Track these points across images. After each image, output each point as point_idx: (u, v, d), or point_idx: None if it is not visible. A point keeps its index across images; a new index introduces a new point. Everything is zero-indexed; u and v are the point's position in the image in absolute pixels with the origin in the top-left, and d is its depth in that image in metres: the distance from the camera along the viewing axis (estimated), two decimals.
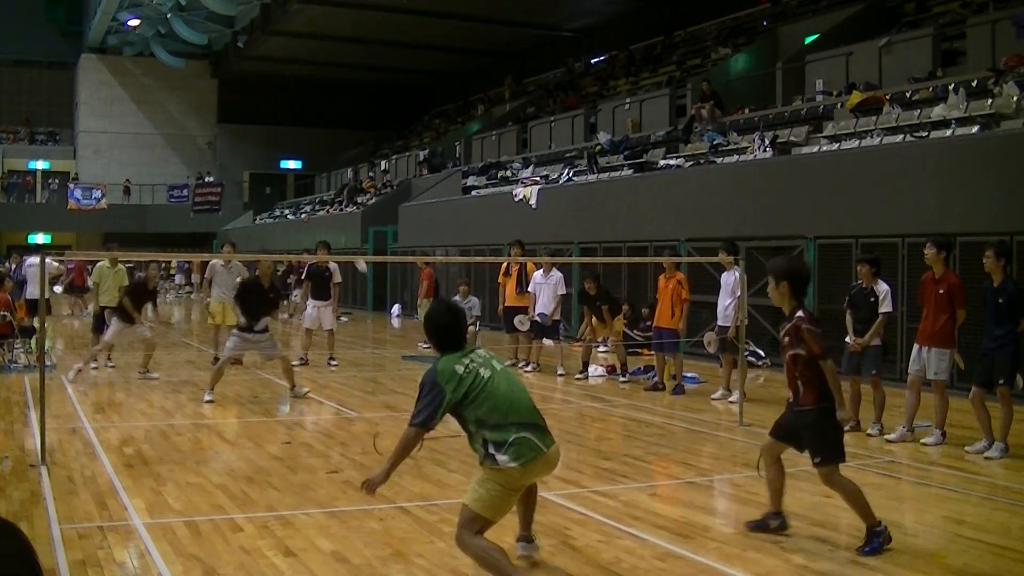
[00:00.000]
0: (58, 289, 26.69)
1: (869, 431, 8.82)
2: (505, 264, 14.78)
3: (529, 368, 13.76)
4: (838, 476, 5.47)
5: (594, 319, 13.36)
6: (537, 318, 13.61)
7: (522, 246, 14.72)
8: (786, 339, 5.52)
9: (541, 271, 13.75)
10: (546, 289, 13.58)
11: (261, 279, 11.31)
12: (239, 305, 11.10)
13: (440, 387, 4.51)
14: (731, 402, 10.65)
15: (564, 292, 13.74)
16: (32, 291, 15.27)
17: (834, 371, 5.39)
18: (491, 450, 4.49)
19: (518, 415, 4.53)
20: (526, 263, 14.23)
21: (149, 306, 12.96)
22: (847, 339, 9.14)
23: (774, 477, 5.68)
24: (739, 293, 10.27)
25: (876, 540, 5.27)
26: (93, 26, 42.68)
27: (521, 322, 13.88)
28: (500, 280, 14.91)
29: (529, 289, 13.89)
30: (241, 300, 11.08)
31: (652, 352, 12.61)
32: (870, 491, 6.70)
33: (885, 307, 8.90)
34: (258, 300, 11.01)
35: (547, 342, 14.19)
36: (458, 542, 4.55)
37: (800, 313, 5.48)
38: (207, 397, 10.78)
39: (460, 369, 4.52)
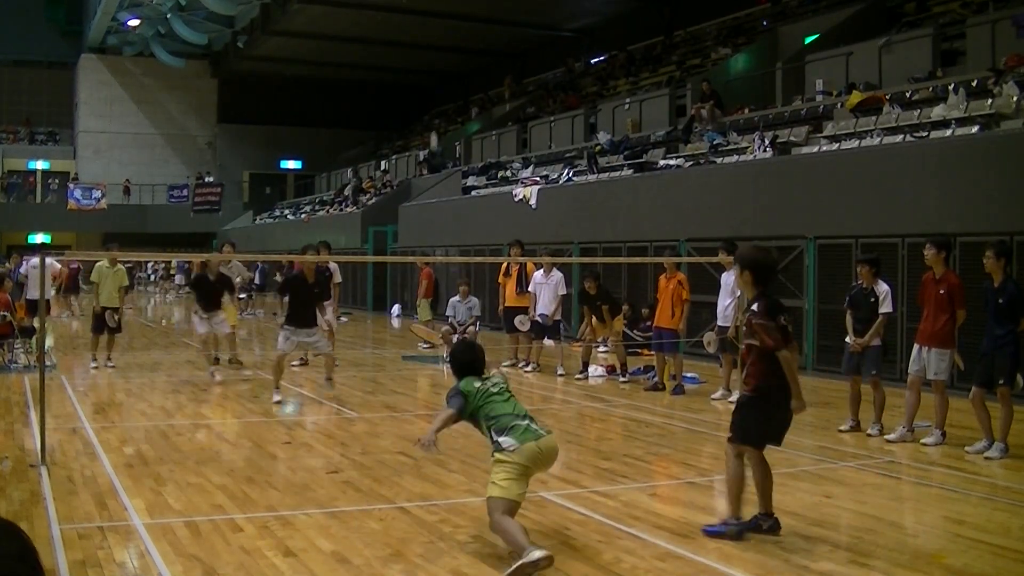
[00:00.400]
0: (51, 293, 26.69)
1: (869, 431, 8.82)
2: (505, 264, 14.78)
3: (529, 368, 13.76)
4: (734, 456, 5.57)
5: (594, 319, 13.35)
6: (538, 318, 13.61)
7: (522, 246, 14.71)
8: (744, 328, 5.74)
9: (542, 271, 13.74)
10: (546, 289, 13.58)
11: (306, 275, 11.35)
12: (288, 302, 11.18)
13: (464, 394, 5.51)
14: (731, 402, 10.62)
15: (564, 292, 13.73)
16: (32, 291, 15.28)
17: (791, 361, 5.47)
18: (496, 437, 5.29)
19: (517, 411, 5.44)
20: (526, 263, 14.22)
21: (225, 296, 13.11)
22: (847, 339, 9.14)
23: (759, 478, 5.65)
24: (739, 293, 10.26)
25: (723, 528, 5.53)
26: (93, 26, 42.70)
27: (522, 322, 13.87)
28: (500, 280, 14.90)
29: (529, 289, 13.89)
30: (290, 297, 11.14)
31: (652, 352, 12.61)
32: (870, 491, 6.72)
33: (885, 307, 8.90)
34: (305, 295, 11.09)
35: (548, 342, 14.18)
36: (492, 528, 5.15)
37: (754, 306, 5.57)
38: (276, 398, 10.71)
39: (476, 385, 5.54)
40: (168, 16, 39.32)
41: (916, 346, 8.52)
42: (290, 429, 9.37)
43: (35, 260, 14.15)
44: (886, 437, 8.59)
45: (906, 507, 6.55)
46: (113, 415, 10.06)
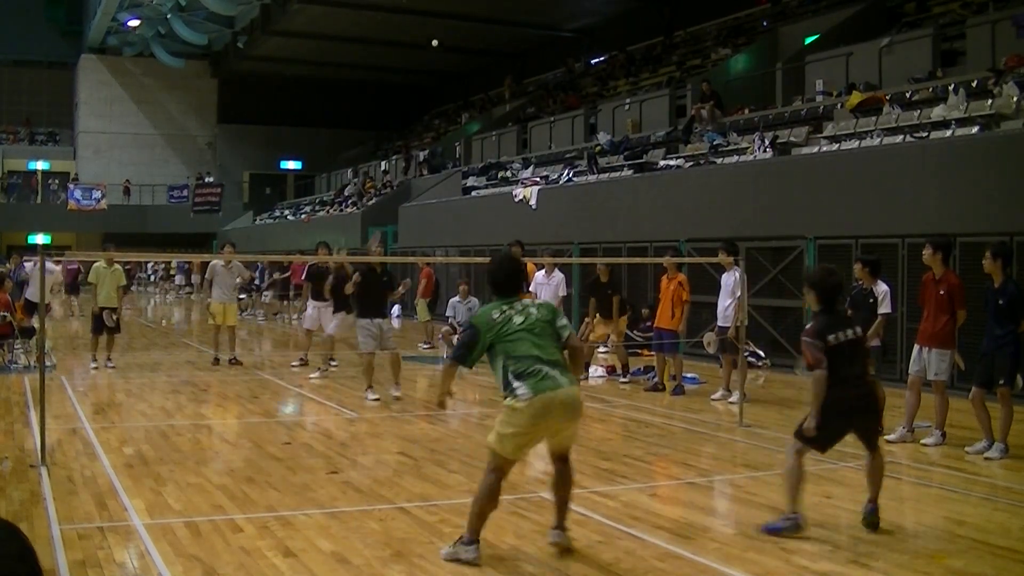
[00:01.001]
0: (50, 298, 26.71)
1: None
2: None
3: None
4: (794, 452, 5.72)
5: (597, 316, 13.15)
6: None
7: (522, 246, 14.70)
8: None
9: (543, 272, 13.73)
10: (547, 290, 13.56)
11: (373, 266, 11.44)
12: (360, 296, 11.20)
13: (475, 328, 5.07)
14: (731, 403, 10.65)
15: (565, 293, 13.72)
16: (32, 292, 15.28)
17: (818, 381, 5.61)
18: (511, 379, 4.89)
19: (542, 352, 4.92)
20: (526, 264, 14.22)
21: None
22: None
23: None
24: (739, 294, 10.27)
25: (782, 524, 5.55)
26: (93, 26, 42.71)
27: None
28: None
29: (531, 290, 13.88)
30: (362, 289, 11.17)
31: (652, 353, 12.60)
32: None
33: (884, 308, 8.90)
34: (377, 287, 11.17)
35: None
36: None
37: (809, 324, 5.85)
38: (372, 396, 10.80)
39: (496, 314, 5.02)
40: (168, 16, 39.32)
41: (916, 346, 8.52)
42: (290, 429, 9.37)
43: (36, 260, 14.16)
44: (886, 437, 8.57)
45: (906, 507, 6.55)
46: (113, 415, 10.06)
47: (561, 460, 5.21)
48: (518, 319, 5.01)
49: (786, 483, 5.65)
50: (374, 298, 11.14)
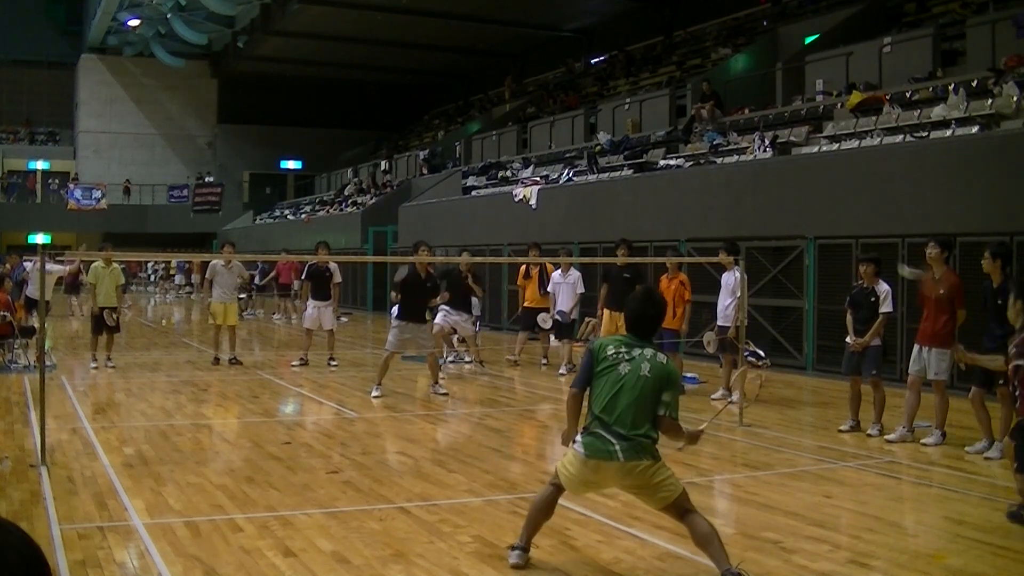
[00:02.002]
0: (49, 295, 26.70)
1: (869, 431, 8.82)
2: (524, 267, 14.83)
3: (564, 371, 13.56)
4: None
5: (605, 314, 13.01)
6: (557, 316, 13.71)
7: (540, 248, 14.83)
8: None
9: (559, 271, 13.85)
10: (565, 288, 13.69)
11: (419, 270, 11.56)
12: (402, 298, 11.39)
13: (591, 353, 4.91)
14: (731, 402, 10.64)
15: (582, 291, 13.79)
16: (32, 290, 15.28)
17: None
18: (584, 425, 4.83)
19: (617, 415, 4.68)
20: (545, 264, 14.30)
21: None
22: (847, 339, 9.14)
23: None
24: (739, 293, 10.26)
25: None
26: (93, 26, 42.70)
27: (544, 320, 13.98)
28: (520, 283, 14.98)
29: (548, 289, 14.00)
30: (403, 292, 11.37)
31: None
32: (870, 491, 6.72)
33: (885, 307, 8.90)
34: (419, 290, 11.38)
35: (554, 342, 14.30)
36: None
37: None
38: (375, 393, 10.99)
39: (611, 350, 4.82)
40: (168, 16, 39.32)
41: (916, 346, 8.53)
42: (290, 429, 9.37)
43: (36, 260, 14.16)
44: (886, 437, 8.59)
45: (906, 507, 6.55)
46: (113, 415, 10.06)
47: (678, 516, 4.83)
48: (624, 368, 4.72)
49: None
50: (416, 302, 11.39)
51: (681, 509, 4.79)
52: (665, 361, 4.81)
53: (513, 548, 5.00)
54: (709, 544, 4.70)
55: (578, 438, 4.77)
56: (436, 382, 11.38)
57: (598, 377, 4.76)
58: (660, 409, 4.73)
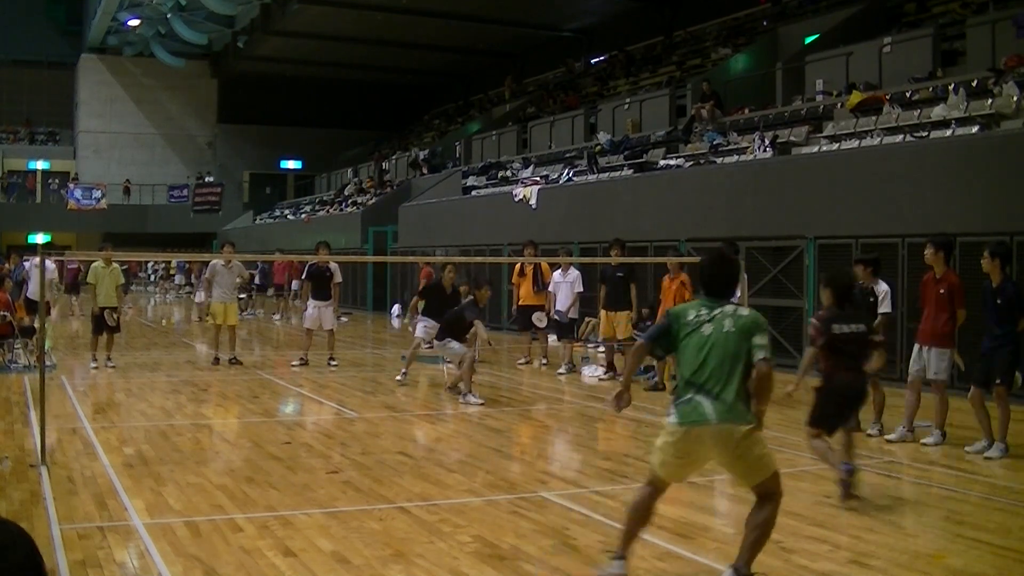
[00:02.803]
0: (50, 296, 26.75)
1: (869, 431, 8.81)
2: (519, 265, 14.83)
3: (564, 371, 13.59)
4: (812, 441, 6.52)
5: (604, 315, 13.02)
6: (555, 315, 13.69)
7: (536, 246, 14.83)
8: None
9: (559, 270, 13.84)
10: (564, 287, 13.68)
11: (444, 285, 12.15)
12: (426, 304, 11.85)
13: (669, 317, 4.77)
14: None
15: (581, 290, 13.78)
16: (33, 291, 15.28)
17: (809, 355, 6.54)
18: (672, 398, 4.67)
19: (706, 375, 4.49)
20: (540, 263, 14.31)
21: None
22: None
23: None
24: (739, 294, 10.25)
25: None
26: (93, 26, 42.70)
27: (539, 319, 13.96)
28: (515, 281, 14.96)
29: (549, 288, 14.00)
30: (427, 300, 11.95)
31: None
32: (869, 491, 6.71)
33: (885, 307, 8.90)
34: (440, 301, 11.85)
35: (553, 340, 14.28)
36: None
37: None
38: (400, 377, 12.05)
39: (691, 315, 4.66)
40: (168, 16, 39.32)
41: (916, 346, 8.52)
42: (290, 429, 9.37)
43: (36, 260, 14.19)
44: (886, 437, 8.59)
45: (906, 507, 6.55)
46: (113, 415, 10.06)
47: (758, 495, 4.62)
48: (707, 329, 4.58)
49: (822, 460, 6.46)
50: (439, 307, 11.99)
51: (767, 492, 4.57)
52: (747, 312, 4.71)
53: (614, 558, 4.70)
54: (753, 533, 4.55)
55: (671, 410, 4.56)
56: (469, 391, 10.88)
57: (683, 344, 4.61)
58: (757, 354, 4.52)
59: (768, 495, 4.58)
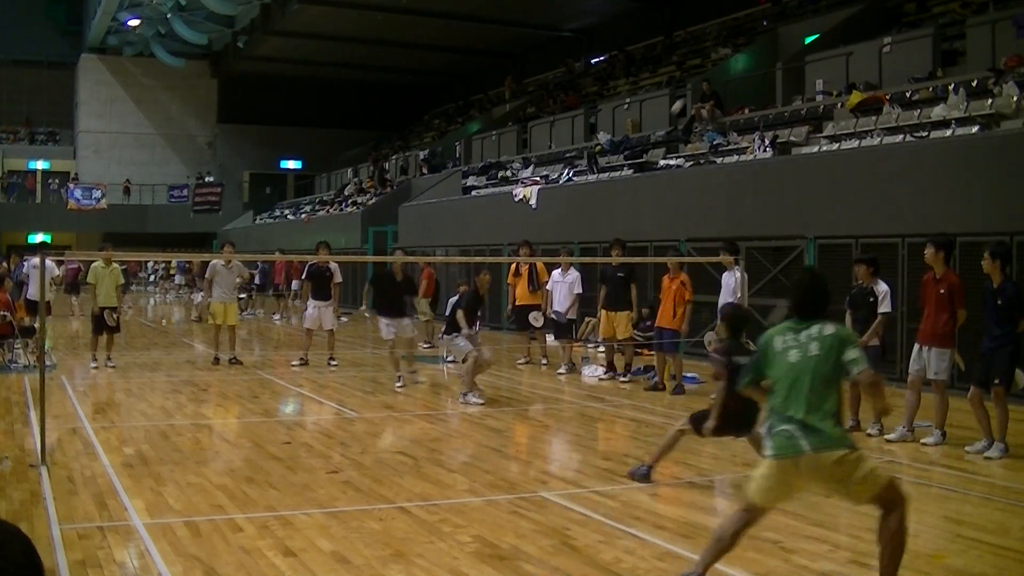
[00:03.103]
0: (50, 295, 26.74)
1: (869, 431, 8.81)
2: (514, 265, 14.82)
3: (563, 370, 13.59)
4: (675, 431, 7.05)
5: (604, 315, 13.02)
6: (553, 315, 13.68)
7: (530, 246, 14.82)
8: None
9: (559, 269, 13.83)
10: (562, 287, 13.66)
11: (479, 288, 11.66)
12: (467, 313, 11.25)
13: (760, 352, 4.67)
14: None
15: (580, 291, 13.76)
16: (32, 291, 15.27)
17: (721, 390, 6.60)
18: (764, 432, 4.55)
19: (795, 403, 4.38)
20: (536, 263, 14.31)
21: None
22: None
23: None
24: (739, 294, 10.26)
25: None
26: (93, 26, 42.69)
27: (536, 318, 13.95)
28: (510, 281, 14.95)
29: (547, 287, 13.99)
30: (468, 307, 11.32)
31: (653, 352, 12.60)
32: None
33: (884, 307, 8.91)
34: (476, 302, 11.48)
35: (552, 341, 14.28)
36: None
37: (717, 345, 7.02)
38: (475, 400, 10.76)
39: (779, 343, 4.53)
40: (168, 16, 39.31)
41: (916, 346, 8.53)
42: (290, 429, 9.37)
43: (35, 260, 14.17)
44: (886, 437, 8.59)
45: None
46: (113, 415, 10.06)
47: (880, 508, 4.44)
48: (794, 356, 4.45)
49: (661, 448, 7.03)
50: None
51: (887, 502, 4.40)
52: (834, 330, 4.51)
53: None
54: (888, 547, 4.40)
55: (766, 441, 4.49)
56: (471, 391, 10.91)
57: (772, 373, 4.52)
58: (852, 369, 4.38)
59: (890, 504, 4.42)
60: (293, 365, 14.19)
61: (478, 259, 20.65)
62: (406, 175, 33.26)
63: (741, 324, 6.97)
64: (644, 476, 6.91)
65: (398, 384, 11.90)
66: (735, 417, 6.59)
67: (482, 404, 10.61)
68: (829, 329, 4.50)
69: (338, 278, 14.45)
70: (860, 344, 8.78)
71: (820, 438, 4.30)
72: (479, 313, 11.92)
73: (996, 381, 7.84)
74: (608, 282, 12.85)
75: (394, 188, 31.76)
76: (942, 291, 8.26)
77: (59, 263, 22.09)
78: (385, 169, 35.01)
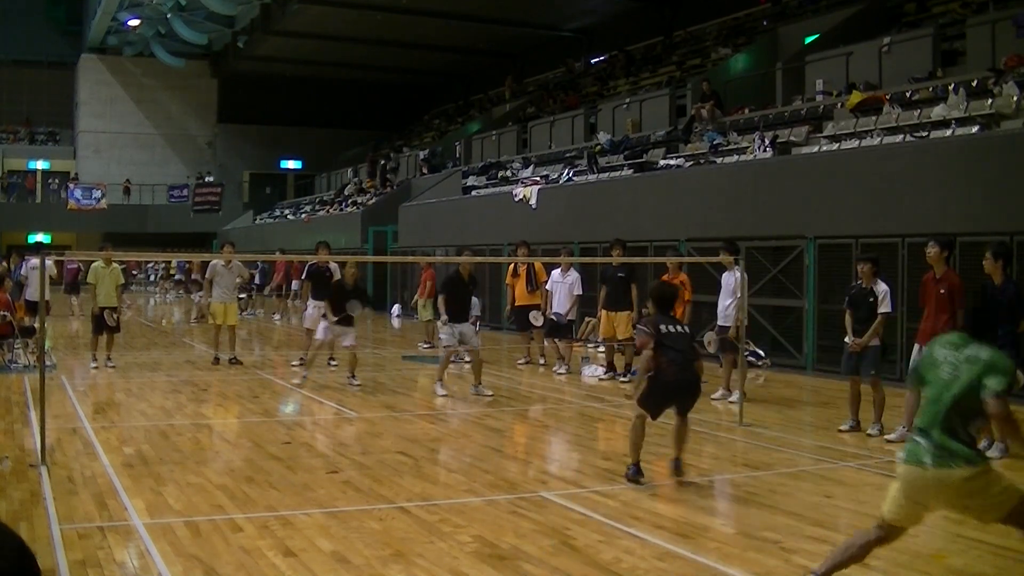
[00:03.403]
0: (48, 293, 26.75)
1: (869, 431, 8.82)
2: (512, 265, 14.81)
3: (563, 371, 13.60)
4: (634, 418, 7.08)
5: (603, 315, 13.01)
6: (552, 316, 13.68)
7: (528, 246, 14.81)
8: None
9: (559, 270, 13.82)
10: (562, 288, 13.65)
11: (463, 275, 11.69)
12: (447, 302, 11.41)
13: (922, 357, 4.69)
14: (731, 402, 10.65)
15: (580, 292, 13.75)
16: (32, 291, 15.29)
17: (645, 359, 6.87)
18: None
19: (925, 419, 4.36)
20: (534, 263, 14.30)
21: (356, 305, 12.29)
22: (846, 339, 9.13)
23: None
24: (739, 294, 10.26)
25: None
26: (93, 26, 42.69)
27: (535, 317, 13.95)
28: (508, 281, 14.95)
29: (547, 287, 13.98)
30: (447, 295, 11.50)
31: None
32: (870, 491, 6.72)
33: (884, 307, 8.90)
34: (464, 293, 11.53)
35: (546, 340, 14.28)
36: None
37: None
38: (440, 391, 11.23)
39: (939, 354, 4.49)
40: (168, 16, 39.31)
41: (916, 345, 8.52)
42: (290, 429, 9.37)
43: (35, 261, 14.19)
44: (886, 437, 8.59)
45: None
46: (113, 415, 10.06)
47: (1018, 527, 4.41)
48: (945, 371, 4.39)
49: (632, 444, 6.98)
50: (460, 305, 11.51)
51: (1007, 523, 4.35)
52: (987, 354, 4.37)
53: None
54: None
55: (899, 453, 4.48)
56: (478, 383, 11.46)
57: (925, 384, 4.49)
58: (986, 394, 4.24)
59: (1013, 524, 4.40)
60: (293, 365, 14.19)
61: (478, 259, 20.68)
62: (395, 175, 33.32)
63: (669, 302, 7.55)
64: (633, 476, 6.89)
65: (440, 391, 11.39)
66: (671, 388, 6.88)
67: (445, 395, 10.97)
68: (985, 353, 4.40)
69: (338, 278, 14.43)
70: (861, 345, 8.81)
71: (941, 454, 4.22)
72: (472, 302, 11.77)
73: None
74: (608, 282, 12.86)
75: (395, 188, 31.77)
76: (942, 291, 8.26)
77: (59, 263, 22.10)
78: (386, 168, 35.01)
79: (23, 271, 17.32)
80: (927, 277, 8.53)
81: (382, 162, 35.43)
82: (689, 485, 7.05)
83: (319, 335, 12.43)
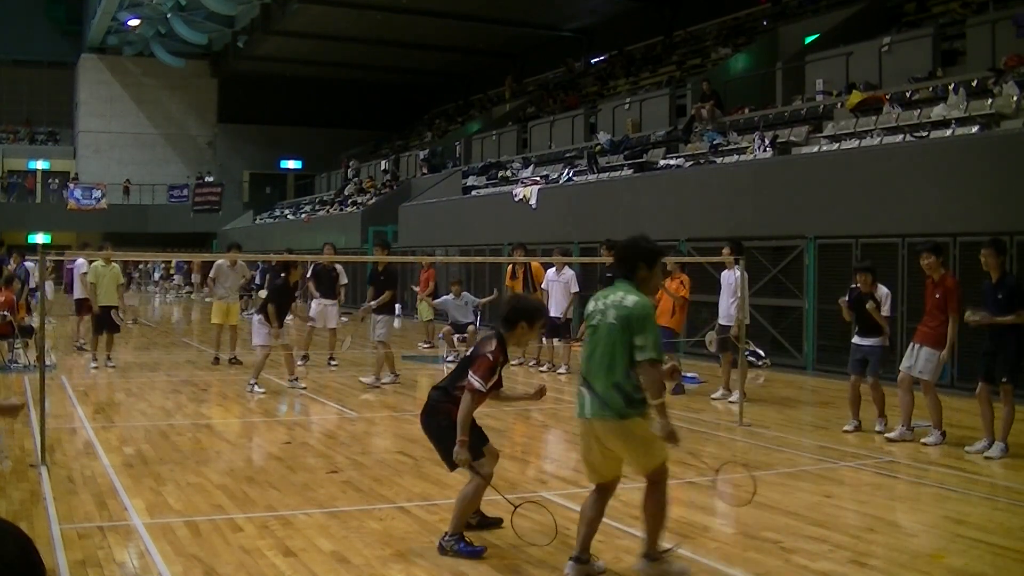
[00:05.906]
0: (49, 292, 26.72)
1: (877, 427, 8.83)
2: (511, 267, 14.83)
3: (544, 368, 13.65)
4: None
5: None
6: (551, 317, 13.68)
7: (525, 248, 14.80)
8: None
9: (554, 269, 13.82)
10: (558, 287, 13.63)
11: (290, 280, 11.95)
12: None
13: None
14: (731, 402, 10.66)
15: (576, 290, 13.75)
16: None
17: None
18: None
19: (587, 365, 4.57)
20: (530, 264, 14.30)
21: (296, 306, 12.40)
22: (853, 339, 9.15)
23: None
24: (739, 293, 10.26)
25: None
26: (93, 26, 42.71)
27: None
28: (508, 283, 14.97)
29: (542, 287, 13.96)
30: (276, 302, 11.62)
31: None
32: (870, 491, 6.72)
33: (885, 311, 8.92)
34: (281, 296, 11.68)
35: (555, 342, 14.29)
36: None
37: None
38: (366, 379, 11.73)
39: (590, 306, 4.66)
40: (168, 16, 39.33)
41: (911, 344, 8.55)
42: (290, 429, 9.37)
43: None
44: (886, 436, 8.60)
45: (906, 507, 6.55)
46: (113, 415, 10.06)
47: (647, 482, 4.77)
48: (595, 319, 4.53)
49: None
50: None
51: (650, 482, 4.74)
52: (632, 303, 4.42)
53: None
54: (646, 513, 4.76)
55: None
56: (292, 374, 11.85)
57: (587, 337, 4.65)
58: (636, 354, 4.35)
59: (653, 484, 4.73)
60: (298, 364, 14.18)
61: (478, 259, 20.69)
62: (385, 173, 33.39)
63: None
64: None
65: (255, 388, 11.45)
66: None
67: (264, 393, 11.14)
68: (629, 300, 4.48)
69: (343, 280, 14.55)
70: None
71: (598, 403, 4.47)
72: (294, 306, 12.10)
73: (1004, 380, 7.84)
74: (605, 283, 12.84)
75: (395, 187, 31.77)
76: (937, 295, 8.30)
77: (58, 263, 22.09)
78: (385, 170, 35.03)
79: (20, 277, 17.29)
80: (927, 280, 8.55)
81: (384, 163, 35.52)
82: (689, 485, 7.05)
83: (257, 340, 11.83)
